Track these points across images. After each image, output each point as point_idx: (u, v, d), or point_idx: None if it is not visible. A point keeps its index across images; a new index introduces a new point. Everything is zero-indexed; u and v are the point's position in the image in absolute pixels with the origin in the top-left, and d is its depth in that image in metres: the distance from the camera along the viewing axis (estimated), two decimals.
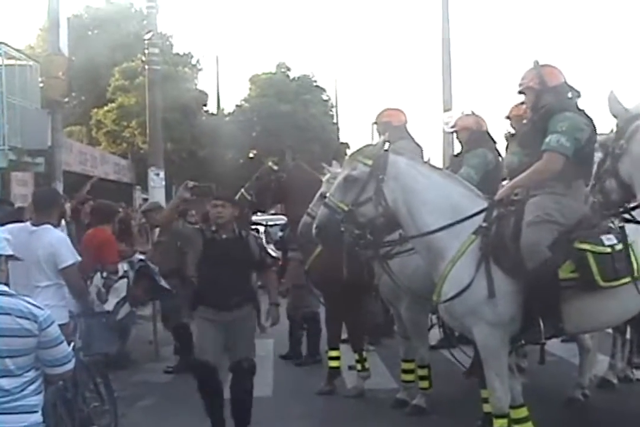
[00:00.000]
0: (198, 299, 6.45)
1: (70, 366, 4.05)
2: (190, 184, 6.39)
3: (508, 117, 7.76)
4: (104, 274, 7.70)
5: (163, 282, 8.80)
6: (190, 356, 7.58)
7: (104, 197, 10.66)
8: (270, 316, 6.67)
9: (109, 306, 7.49)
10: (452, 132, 7.89)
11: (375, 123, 7.79)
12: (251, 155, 38.07)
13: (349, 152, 41.00)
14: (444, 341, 7.82)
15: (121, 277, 7.98)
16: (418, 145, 7.81)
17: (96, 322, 7.06)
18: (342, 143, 42.40)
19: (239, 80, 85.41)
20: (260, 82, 39.74)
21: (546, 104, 5.64)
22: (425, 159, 7.00)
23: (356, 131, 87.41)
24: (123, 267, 8.21)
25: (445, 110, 20.39)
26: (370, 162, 5.71)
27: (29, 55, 20.40)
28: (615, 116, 4.81)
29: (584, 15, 78.39)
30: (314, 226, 5.91)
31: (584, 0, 77.00)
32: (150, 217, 10.26)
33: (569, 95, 5.74)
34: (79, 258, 6.32)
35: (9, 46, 17.60)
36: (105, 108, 32.34)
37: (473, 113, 7.73)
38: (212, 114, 38.09)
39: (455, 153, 8.93)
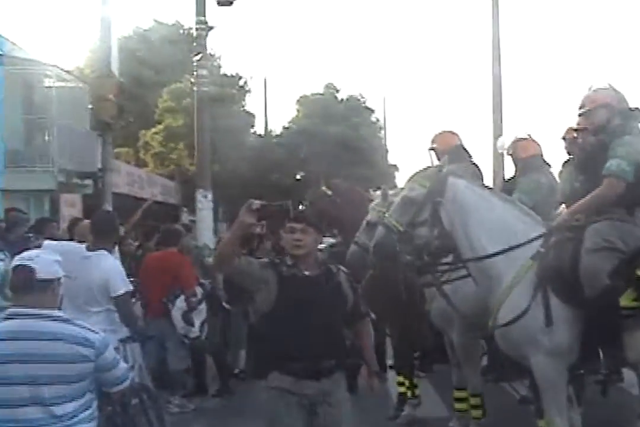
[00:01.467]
0: (268, 362, 4.71)
1: (128, 381, 4.14)
2: (256, 203, 4.44)
3: (564, 138, 7.70)
4: (186, 297, 7.93)
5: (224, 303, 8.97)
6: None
7: (151, 219, 10.80)
8: (370, 388, 5.05)
9: (196, 327, 7.74)
10: (508, 155, 7.84)
11: (432, 148, 7.77)
12: (298, 177, 38.27)
13: (397, 175, 41.32)
14: (489, 368, 7.72)
15: (200, 301, 8.17)
16: (477, 167, 7.80)
17: (174, 341, 7.30)
18: (390, 165, 42.45)
19: (287, 102, 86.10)
20: (308, 104, 40.01)
21: (612, 126, 5.64)
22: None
23: (405, 153, 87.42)
24: (199, 290, 8.39)
25: (495, 132, 20.28)
26: (427, 184, 5.78)
27: (78, 77, 20.82)
28: None
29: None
30: (372, 244, 5.97)
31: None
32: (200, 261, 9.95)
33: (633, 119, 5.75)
34: (131, 287, 6.45)
35: (59, 68, 17.99)
36: (153, 129, 32.78)
37: (529, 136, 7.70)
38: (260, 135, 38.41)
39: (508, 178, 8.90)
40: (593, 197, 5.50)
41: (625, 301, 5.23)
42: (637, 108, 5.78)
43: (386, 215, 6.07)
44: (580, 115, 5.95)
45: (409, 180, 6.10)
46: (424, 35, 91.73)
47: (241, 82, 38.39)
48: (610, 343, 5.21)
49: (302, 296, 4.64)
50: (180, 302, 7.93)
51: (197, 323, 7.98)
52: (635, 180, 5.41)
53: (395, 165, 42.86)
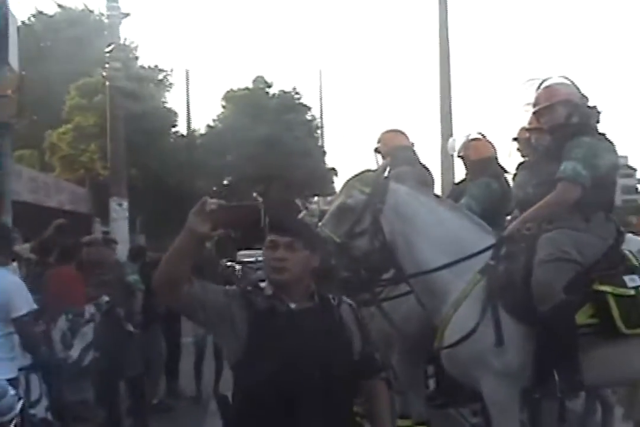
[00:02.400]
0: None
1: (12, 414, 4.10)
2: (212, 202, 3.37)
3: (516, 139, 7.60)
4: (70, 316, 7.75)
5: (130, 327, 8.78)
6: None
7: (65, 235, 10.60)
8: None
9: (75, 351, 7.52)
10: (458, 157, 7.88)
11: (377, 148, 7.80)
12: (225, 182, 38.14)
13: (336, 179, 41.41)
14: (435, 394, 7.73)
15: (88, 321, 8.01)
16: (428, 171, 7.84)
17: (64, 370, 7.13)
18: (328, 169, 42.50)
19: (212, 98, 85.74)
20: (236, 100, 39.98)
21: (571, 125, 5.70)
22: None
23: (345, 155, 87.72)
24: (90, 310, 8.23)
25: (443, 132, 20.47)
26: (368, 189, 5.74)
27: None
28: None
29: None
30: None
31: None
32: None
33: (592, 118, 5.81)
34: (35, 306, 6.33)
35: None
36: (60, 129, 32.37)
37: (483, 136, 7.75)
38: (182, 135, 38.20)
39: (457, 181, 8.97)
40: (546, 203, 5.55)
41: (581, 317, 5.32)
42: (595, 106, 5.87)
43: (320, 225, 6.00)
44: (534, 113, 5.98)
45: (346, 185, 6.05)
46: (366, 25, 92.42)
47: (160, 76, 38.19)
48: (566, 364, 5.28)
49: (285, 342, 3.51)
50: (62, 323, 7.75)
51: (79, 346, 7.75)
52: (592, 184, 5.48)
53: (333, 169, 42.82)
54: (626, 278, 5.39)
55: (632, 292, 5.34)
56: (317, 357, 3.53)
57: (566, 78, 5.88)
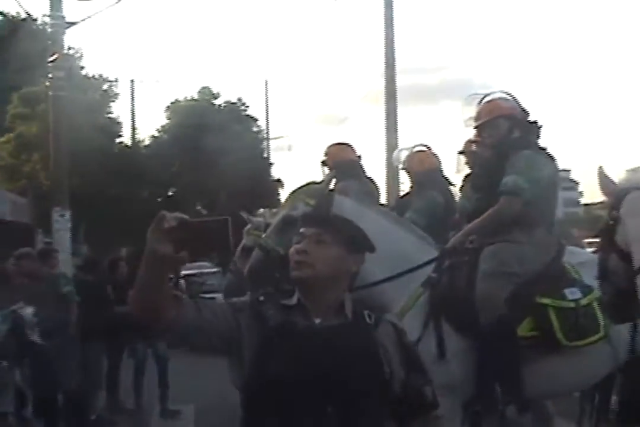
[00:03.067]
0: None
1: None
2: (170, 217, 2.77)
3: (462, 152, 7.59)
4: None
5: (36, 337, 8.64)
6: None
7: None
8: None
9: None
10: (403, 169, 7.93)
11: (324, 161, 7.81)
12: (170, 193, 37.92)
13: (282, 191, 41.35)
14: None
15: None
16: (374, 184, 7.87)
17: None
18: (274, 180, 42.44)
19: (157, 108, 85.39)
20: (181, 110, 39.76)
21: (512, 139, 5.77)
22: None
23: (291, 167, 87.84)
24: None
25: (389, 144, 20.63)
26: (312, 202, 5.71)
27: None
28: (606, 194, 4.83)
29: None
30: (247, 269, 5.81)
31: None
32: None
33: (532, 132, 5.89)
34: None
35: None
36: (2, 139, 31.97)
37: (427, 148, 7.77)
38: (127, 146, 37.93)
39: (402, 194, 9.01)
40: (488, 216, 5.60)
41: (522, 330, 5.36)
42: (536, 121, 5.94)
43: (263, 236, 5.97)
44: (476, 127, 6.02)
45: (291, 197, 6.02)
46: (313, 36, 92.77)
47: (105, 86, 37.92)
48: (508, 377, 5.30)
49: (299, 367, 2.88)
50: None
51: None
52: (534, 198, 5.54)
53: (279, 180, 42.78)
54: (566, 291, 5.45)
55: (572, 304, 5.39)
56: (338, 389, 2.89)
57: (508, 93, 5.98)
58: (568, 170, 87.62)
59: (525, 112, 5.88)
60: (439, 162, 7.67)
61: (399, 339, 3.13)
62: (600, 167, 4.85)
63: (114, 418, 10.24)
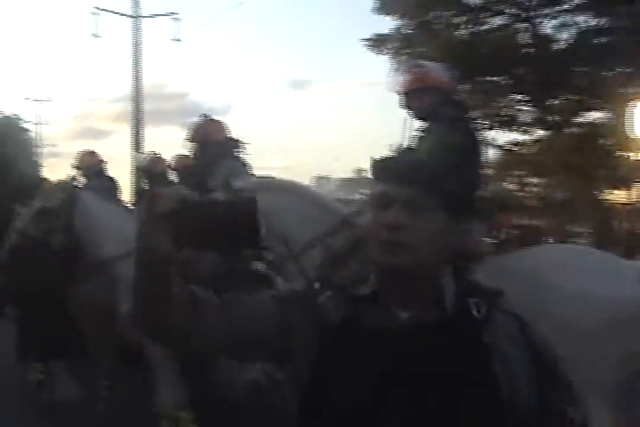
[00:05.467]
0: None
1: None
2: (170, 195, 1.95)
3: (176, 170, 9.04)
4: None
5: None
6: None
7: None
8: None
9: None
10: (143, 171, 9.85)
11: (76, 166, 9.34)
12: None
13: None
14: None
15: None
16: (113, 181, 9.38)
17: None
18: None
19: None
20: None
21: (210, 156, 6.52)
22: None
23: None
24: None
25: (134, 146, 22.85)
26: (62, 195, 6.52)
27: None
28: None
29: None
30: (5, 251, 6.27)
31: None
32: None
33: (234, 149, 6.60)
34: None
35: None
36: None
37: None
38: None
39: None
40: None
41: None
42: (238, 139, 6.65)
43: (22, 223, 6.44)
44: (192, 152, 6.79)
45: (45, 191, 6.87)
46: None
47: None
48: None
49: (374, 377, 1.95)
50: None
51: None
52: None
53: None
54: None
55: None
56: (431, 412, 1.92)
57: (206, 115, 6.81)
58: None
59: (223, 131, 6.68)
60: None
61: (526, 337, 2.05)
62: None
63: None
